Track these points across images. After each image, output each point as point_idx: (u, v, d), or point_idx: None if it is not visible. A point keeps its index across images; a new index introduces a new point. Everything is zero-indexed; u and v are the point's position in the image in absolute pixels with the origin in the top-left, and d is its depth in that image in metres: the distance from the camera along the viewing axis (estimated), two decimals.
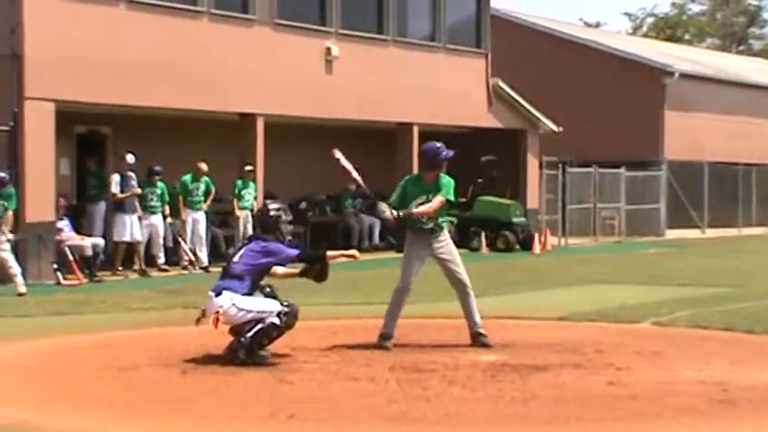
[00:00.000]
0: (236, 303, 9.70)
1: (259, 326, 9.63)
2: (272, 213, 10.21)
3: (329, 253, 10.45)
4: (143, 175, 20.53)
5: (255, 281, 9.90)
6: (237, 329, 9.77)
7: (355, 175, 11.09)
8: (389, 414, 7.76)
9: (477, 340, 10.83)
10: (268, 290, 10.02)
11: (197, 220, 21.38)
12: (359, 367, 9.59)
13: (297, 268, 10.46)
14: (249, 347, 9.62)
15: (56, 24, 19.02)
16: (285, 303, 9.82)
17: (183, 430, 7.53)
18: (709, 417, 7.73)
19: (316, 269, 10.32)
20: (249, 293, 9.80)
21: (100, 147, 22.75)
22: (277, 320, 9.67)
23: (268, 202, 11.09)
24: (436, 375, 9.19)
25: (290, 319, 9.77)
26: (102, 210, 20.80)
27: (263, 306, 9.76)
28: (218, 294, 9.79)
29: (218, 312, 9.73)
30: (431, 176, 10.93)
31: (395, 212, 10.65)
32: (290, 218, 10.29)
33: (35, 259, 18.38)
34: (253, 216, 20.42)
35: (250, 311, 9.69)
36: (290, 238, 10.40)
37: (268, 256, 9.92)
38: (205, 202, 21.56)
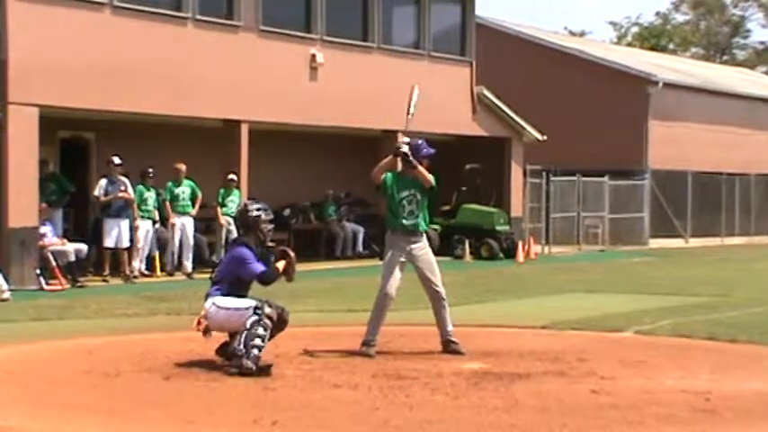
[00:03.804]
0: (216, 303, 9.79)
1: (243, 332, 9.61)
2: (251, 213, 10.12)
3: (278, 265, 10.34)
4: (135, 179, 20.44)
5: (233, 285, 9.88)
6: (227, 341, 9.77)
7: (411, 109, 11.45)
8: (372, 421, 7.76)
9: (448, 347, 10.93)
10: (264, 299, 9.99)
11: (184, 225, 21.33)
12: (342, 374, 9.58)
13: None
14: (247, 353, 9.47)
15: (40, 30, 18.96)
16: (261, 299, 9.81)
17: None
18: (692, 425, 7.74)
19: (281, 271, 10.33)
20: (227, 294, 9.82)
21: (84, 152, 22.71)
22: (254, 317, 9.60)
23: (249, 201, 10.99)
24: (419, 383, 9.18)
25: (265, 307, 9.65)
26: (60, 216, 20.18)
27: (239, 303, 9.75)
28: (205, 299, 9.94)
29: (202, 316, 9.86)
30: (413, 173, 10.92)
31: (405, 143, 10.86)
32: (270, 217, 10.16)
33: (18, 264, 18.31)
34: (234, 218, 20.22)
35: (228, 309, 9.72)
36: (271, 244, 10.34)
37: (237, 264, 9.89)
38: (193, 207, 21.48)
